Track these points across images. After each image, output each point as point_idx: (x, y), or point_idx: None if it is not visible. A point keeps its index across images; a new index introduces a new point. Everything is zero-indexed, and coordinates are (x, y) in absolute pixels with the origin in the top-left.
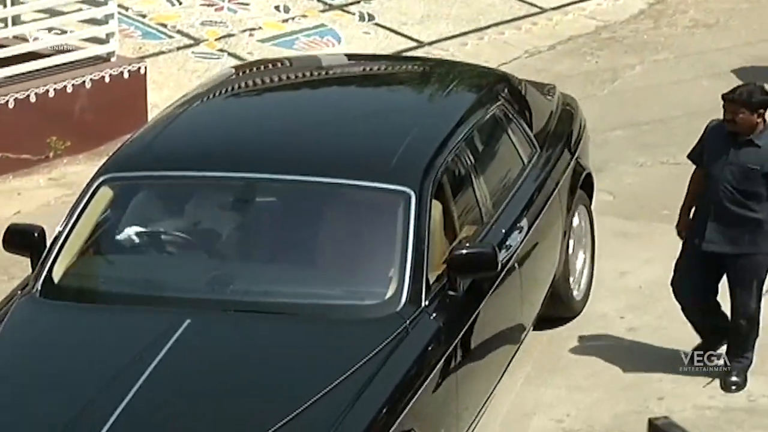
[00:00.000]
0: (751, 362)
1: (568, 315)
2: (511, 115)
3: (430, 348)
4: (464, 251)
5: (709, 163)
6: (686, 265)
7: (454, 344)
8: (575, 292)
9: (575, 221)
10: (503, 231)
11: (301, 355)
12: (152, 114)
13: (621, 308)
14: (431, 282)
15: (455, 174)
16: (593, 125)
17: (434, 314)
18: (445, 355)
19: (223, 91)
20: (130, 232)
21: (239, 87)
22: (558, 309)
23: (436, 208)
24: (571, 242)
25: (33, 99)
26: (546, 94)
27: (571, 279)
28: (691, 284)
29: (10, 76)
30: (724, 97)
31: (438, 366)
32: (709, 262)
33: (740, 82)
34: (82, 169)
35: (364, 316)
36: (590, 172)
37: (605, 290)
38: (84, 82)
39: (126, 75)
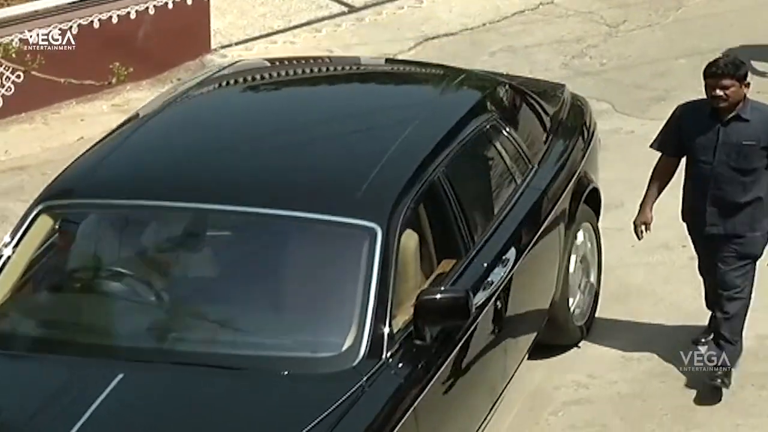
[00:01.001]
0: (741, 350)
1: (566, 343)
2: (504, 130)
3: (388, 409)
4: (432, 297)
5: (694, 148)
6: (701, 251)
7: (418, 402)
8: (576, 317)
9: (579, 239)
10: (485, 265)
11: (240, 419)
12: (215, 41)
13: None
14: (396, 330)
15: (434, 201)
16: (657, 54)
17: (397, 368)
18: (406, 417)
19: (188, 103)
20: (66, 268)
21: (206, 97)
22: (554, 336)
23: (411, 239)
24: (572, 261)
25: (96, 25)
26: (552, 97)
27: (570, 301)
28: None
29: (74, 2)
30: (708, 73)
31: (397, 430)
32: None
33: None
34: (144, 95)
35: (316, 371)
36: (597, 187)
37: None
38: (147, 8)
39: (189, 1)
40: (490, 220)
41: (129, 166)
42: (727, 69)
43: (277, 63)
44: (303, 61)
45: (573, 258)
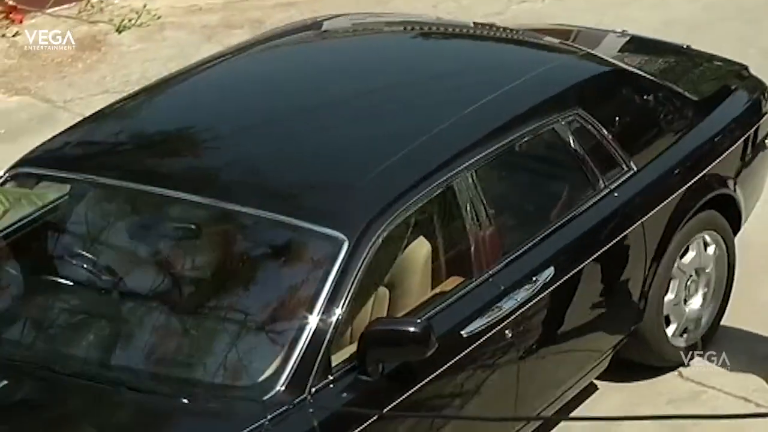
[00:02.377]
0: None
1: (660, 365)
2: (589, 127)
3: None
4: (380, 327)
5: None
6: None
7: None
8: (679, 340)
9: (690, 256)
10: (501, 287)
11: None
12: None
13: None
14: (340, 360)
15: (452, 208)
16: None
17: (320, 408)
18: None
19: (202, 75)
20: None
21: (248, 60)
22: (644, 355)
23: (422, 248)
24: (677, 281)
25: None
26: (709, 82)
27: (672, 327)
28: None
29: None
30: None
31: None
32: None
33: None
34: None
35: (218, 401)
36: (727, 193)
37: None
38: None
39: None
40: (533, 233)
41: (113, 137)
42: None
43: (345, 27)
44: (371, 25)
45: (678, 278)
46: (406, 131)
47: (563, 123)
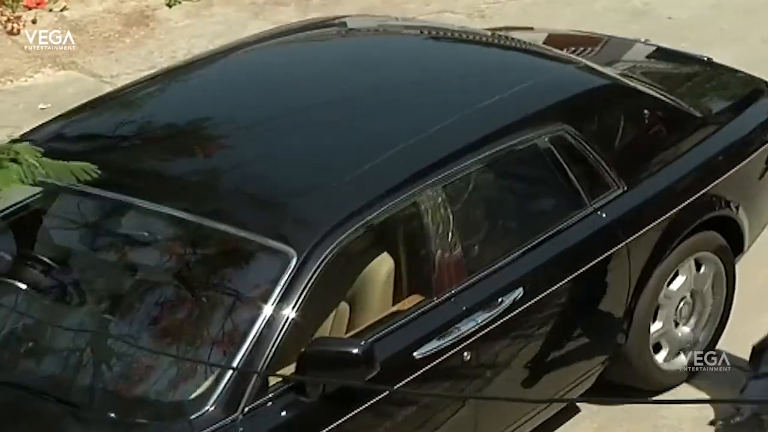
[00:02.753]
0: None
1: (647, 388)
2: (578, 143)
3: None
4: (319, 346)
5: None
6: None
7: None
8: (665, 364)
9: (679, 281)
10: (464, 308)
11: None
12: None
13: None
14: (277, 380)
15: (416, 224)
16: None
17: (253, 428)
18: None
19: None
20: None
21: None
22: (629, 378)
23: (384, 265)
24: (663, 312)
25: None
26: (719, 98)
27: (664, 353)
28: None
29: None
30: None
31: None
32: None
33: None
34: None
35: (144, 420)
36: (727, 215)
37: None
38: None
39: None
40: (503, 253)
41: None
42: None
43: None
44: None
45: (666, 305)
46: (375, 143)
47: (546, 139)
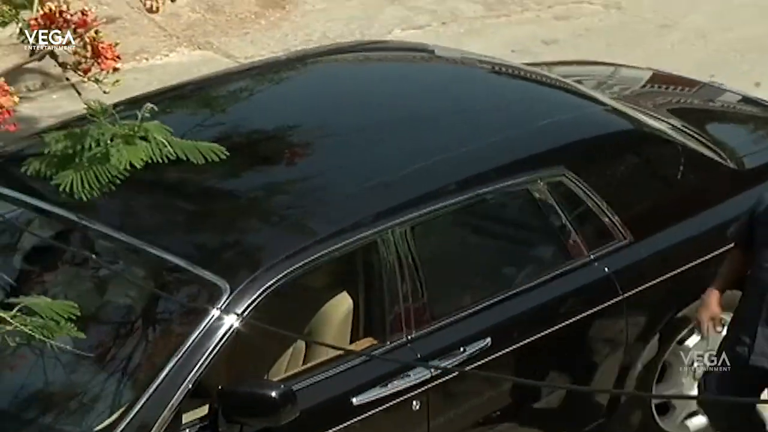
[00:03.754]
0: None
1: None
2: (579, 190)
3: None
4: (233, 388)
5: (761, 248)
6: (723, 381)
7: None
8: (683, 427)
9: (694, 339)
10: (419, 354)
11: None
12: None
13: None
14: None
15: (374, 265)
16: None
17: None
18: None
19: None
20: None
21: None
22: None
23: (342, 304)
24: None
25: None
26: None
27: (676, 413)
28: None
29: None
30: None
31: None
32: (753, 380)
33: None
34: None
35: None
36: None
37: None
38: None
39: None
40: (473, 301)
41: None
42: None
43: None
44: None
45: (676, 363)
46: (348, 176)
47: (542, 184)
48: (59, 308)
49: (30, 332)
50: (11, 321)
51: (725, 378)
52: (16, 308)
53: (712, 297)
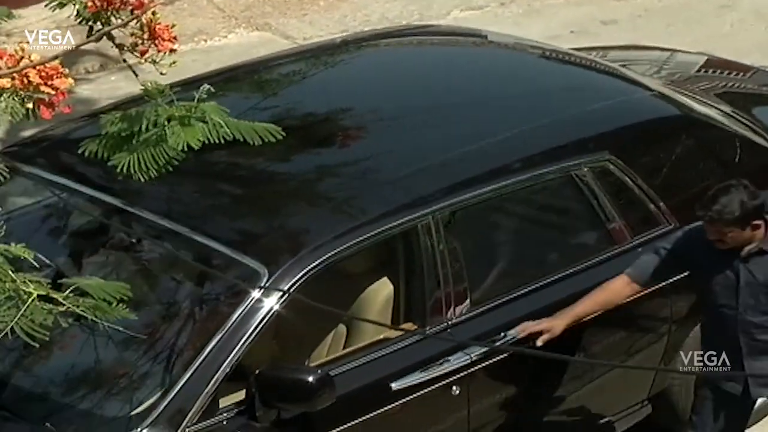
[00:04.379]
0: None
1: None
2: (623, 176)
3: None
4: (271, 372)
5: (707, 290)
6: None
7: None
8: None
9: None
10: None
11: None
12: None
13: None
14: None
15: (419, 250)
16: None
17: None
18: None
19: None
20: None
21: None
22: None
23: (384, 289)
24: None
25: None
26: None
27: None
28: None
29: None
30: (699, 215)
31: None
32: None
33: None
34: None
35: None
36: None
37: None
38: None
39: None
40: (515, 286)
41: None
42: (720, 216)
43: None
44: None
45: None
46: (393, 162)
47: (586, 169)
48: (111, 289)
49: (82, 313)
50: (64, 302)
51: (717, 411)
52: (69, 289)
53: (567, 316)
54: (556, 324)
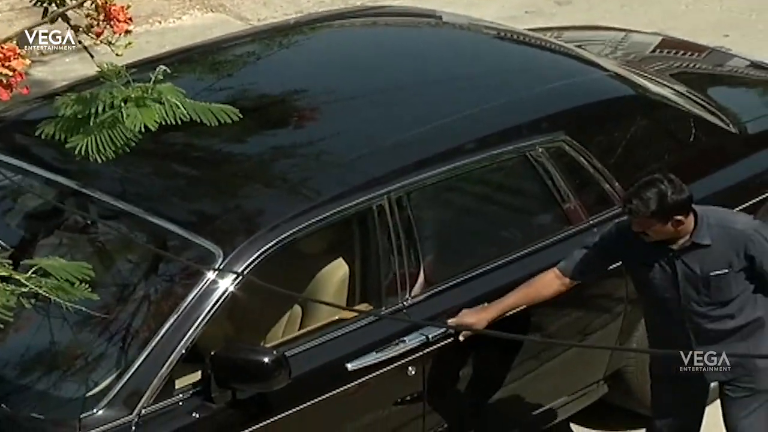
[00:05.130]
0: None
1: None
2: (577, 156)
3: None
4: (225, 353)
5: (645, 283)
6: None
7: None
8: None
9: None
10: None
11: None
12: None
13: None
14: (189, 382)
15: (373, 230)
16: None
17: (148, 430)
18: None
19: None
20: None
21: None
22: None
23: (339, 270)
24: None
25: None
26: None
27: None
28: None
29: None
30: (621, 208)
31: None
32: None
33: None
34: None
35: (45, 413)
36: None
37: None
38: None
39: None
40: (471, 266)
41: None
42: (639, 210)
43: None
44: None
45: None
46: (343, 144)
47: (541, 150)
48: (73, 269)
49: (45, 293)
50: (26, 282)
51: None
52: (32, 270)
53: (494, 310)
54: (481, 319)
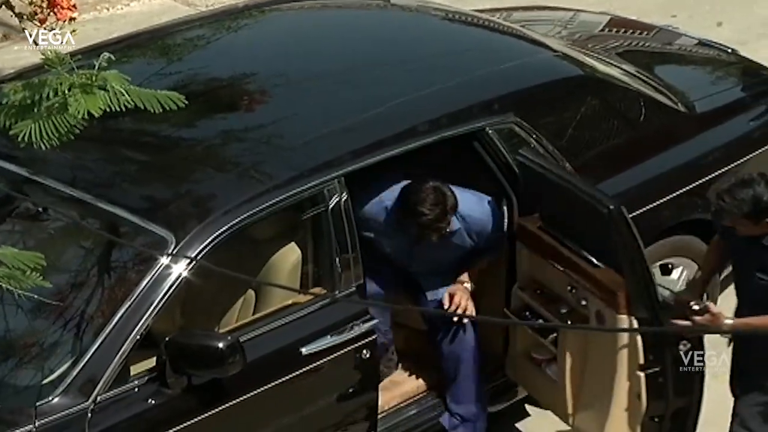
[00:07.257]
0: None
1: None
2: (529, 139)
3: None
4: (180, 338)
5: (737, 274)
6: None
7: None
8: None
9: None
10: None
11: None
12: None
13: None
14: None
15: (320, 216)
16: None
17: (106, 418)
18: None
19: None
20: None
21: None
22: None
23: (291, 254)
24: None
25: None
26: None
27: None
28: None
29: None
30: (713, 204)
31: None
32: None
33: None
34: None
35: (5, 402)
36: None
37: None
38: None
39: None
40: None
41: None
42: (732, 209)
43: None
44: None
45: None
46: (292, 128)
47: (490, 131)
48: (25, 258)
49: None
50: None
51: None
52: None
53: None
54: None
